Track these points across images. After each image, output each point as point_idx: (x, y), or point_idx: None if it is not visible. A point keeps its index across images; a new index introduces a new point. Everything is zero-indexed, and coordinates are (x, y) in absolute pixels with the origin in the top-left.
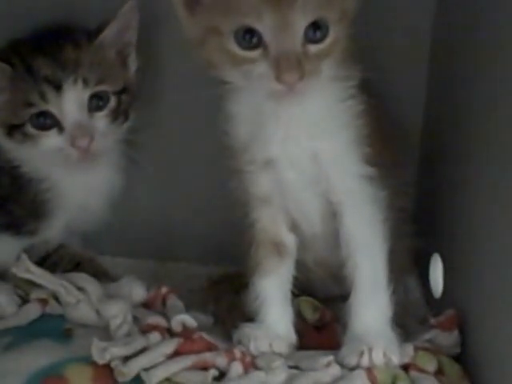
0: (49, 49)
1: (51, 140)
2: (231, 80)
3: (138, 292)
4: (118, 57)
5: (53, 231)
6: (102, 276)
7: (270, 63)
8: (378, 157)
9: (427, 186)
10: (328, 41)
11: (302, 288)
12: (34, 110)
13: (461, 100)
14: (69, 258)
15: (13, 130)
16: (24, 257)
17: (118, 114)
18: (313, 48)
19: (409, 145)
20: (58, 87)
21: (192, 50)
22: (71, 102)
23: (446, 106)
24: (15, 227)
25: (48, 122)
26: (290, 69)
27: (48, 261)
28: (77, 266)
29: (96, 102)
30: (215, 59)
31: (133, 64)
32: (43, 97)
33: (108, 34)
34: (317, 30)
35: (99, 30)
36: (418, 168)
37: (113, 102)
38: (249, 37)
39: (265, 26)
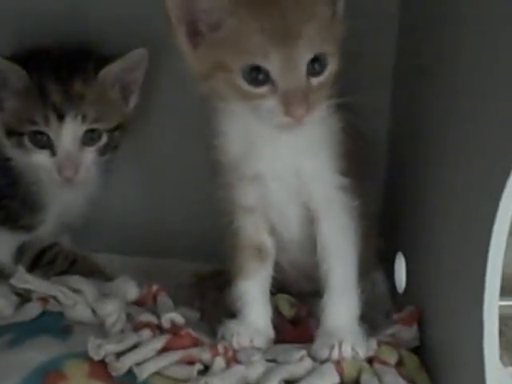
0: (62, 77)
1: (42, 159)
2: (238, 111)
3: (132, 291)
4: (121, 92)
5: (47, 226)
6: (97, 273)
7: (279, 99)
8: (351, 169)
9: (392, 193)
10: (327, 72)
11: (277, 285)
12: (34, 128)
13: (421, 115)
14: (63, 256)
15: (11, 134)
16: (21, 269)
17: (107, 150)
18: (314, 81)
19: (375, 155)
20: (60, 117)
21: (196, 81)
22: (68, 134)
23: (407, 122)
24: (11, 221)
25: (44, 141)
26: (298, 104)
27: (43, 259)
28: (72, 263)
29: (89, 136)
30: (222, 92)
31: (133, 102)
32: (46, 120)
33: (112, 70)
34: (317, 63)
35: (106, 62)
36: (384, 176)
37: (104, 139)
38: (256, 74)
39: (272, 63)
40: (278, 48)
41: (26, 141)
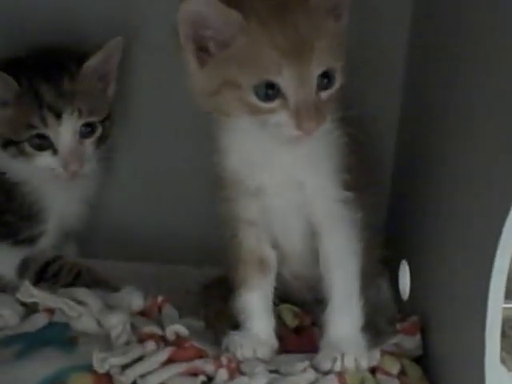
0: (51, 77)
1: (45, 160)
2: (239, 125)
3: (137, 301)
4: (99, 83)
5: (48, 237)
6: (102, 284)
7: (290, 113)
8: (354, 182)
9: (397, 201)
10: (336, 85)
11: (279, 295)
12: (33, 132)
13: (428, 125)
14: (68, 268)
15: (9, 144)
16: (27, 283)
17: (102, 141)
18: (324, 95)
19: (381, 164)
20: (58, 115)
21: (201, 98)
22: (67, 130)
23: (414, 132)
24: (12, 236)
25: (44, 143)
26: (310, 117)
27: (47, 272)
28: (77, 275)
29: (85, 130)
30: (231, 109)
31: (112, 90)
32: (44, 122)
33: (93, 62)
34: (326, 77)
35: (85, 57)
36: (390, 185)
37: (99, 130)
38: (267, 89)
39: (284, 79)
40: (291, 64)
41: (27, 147)
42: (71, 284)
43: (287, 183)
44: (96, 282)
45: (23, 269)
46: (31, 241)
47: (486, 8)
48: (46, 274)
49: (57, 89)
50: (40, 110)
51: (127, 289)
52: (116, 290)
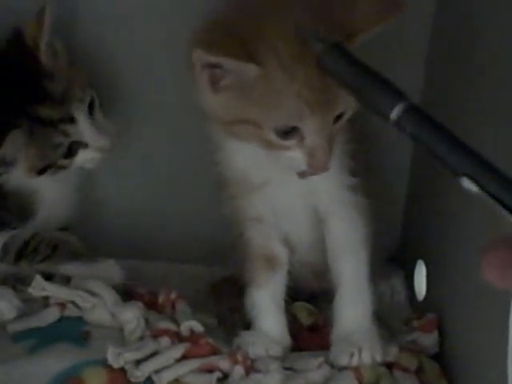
0: (37, 95)
1: (83, 156)
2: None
3: (118, 275)
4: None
5: (32, 226)
6: (80, 256)
7: (306, 151)
8: (359, 168)
9: (413, 200)
10: (345, 117)
11: (290, 292)
12: (62, 149)
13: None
14: (46, 242)
15: (44, 170)
16: (39, 277)
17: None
18: (335, 128)
19: (398, 162)
20: (71, 120)
21: (213, 119)
22: (84, 124)
23: None
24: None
25: (75, 148)
26: (324, 157)
27: (27, 249)
28: (54, 248)
29: (90, 108)
30: (245, 138)
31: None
32: (67, 134)
33: (45, 47)
34: (339, 115)
35: (33, 50)
36: (406, 183)
37: (96, 99)
38: (287, 130)
39: (306, 125)
40: (315, 112)
41: (62, 162)
42: (49, 256)
43: (291, 173)
44: (74, 254)
45: (4, 251)
46: (15, 228)
47: None
48: (25, 252)
49: (53, 101)
50: (55, 130)
51: (108, 262)
52: (94, 261)
